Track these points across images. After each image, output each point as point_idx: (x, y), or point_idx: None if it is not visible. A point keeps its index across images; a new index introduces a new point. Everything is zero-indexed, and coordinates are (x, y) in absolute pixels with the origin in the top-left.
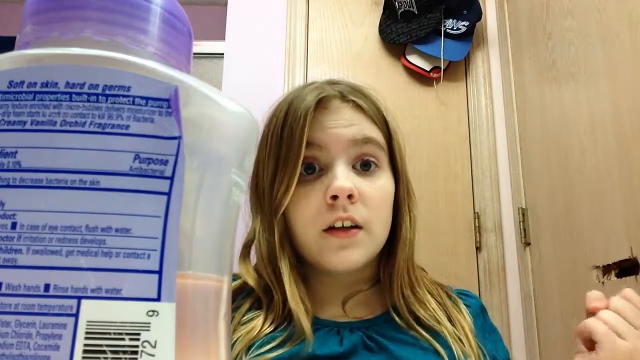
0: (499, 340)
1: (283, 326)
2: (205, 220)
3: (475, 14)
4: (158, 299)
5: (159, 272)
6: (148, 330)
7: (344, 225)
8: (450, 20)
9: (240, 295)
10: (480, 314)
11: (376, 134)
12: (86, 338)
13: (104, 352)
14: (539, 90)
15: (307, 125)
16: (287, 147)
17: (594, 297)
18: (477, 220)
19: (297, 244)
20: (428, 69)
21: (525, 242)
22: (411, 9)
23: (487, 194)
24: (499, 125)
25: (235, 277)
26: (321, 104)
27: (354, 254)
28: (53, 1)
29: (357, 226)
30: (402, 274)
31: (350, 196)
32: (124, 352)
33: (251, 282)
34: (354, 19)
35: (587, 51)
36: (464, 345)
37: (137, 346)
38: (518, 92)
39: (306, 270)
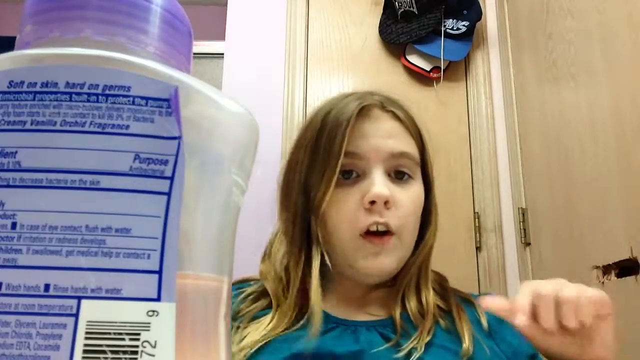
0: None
1: (296, 324)
2: (205, 220)
3: (475, 14)
4: (158, 299)
5: (159, 272)
6: (148, 330)
7: (379, 230)
8: (450, 20)
9: (255, 296)
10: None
11: (412, 148)
12: (86, 338)
13: (104, 352)
14: (539, 90)
15: (349, 129)
16: (327, 150)
17: None
18: (477, 220)
19: (331, 245)
20: (428, 69)
21: (525, 242)
22: (411, 8)
23: (487, 194)
24: (499, 125)
25: (245, 282)
26: (362, 112)
27: (387, 261)
28: (53, 1)
29: (389, 232)
30: (412, 274)
31: (386, 202)
32: (124, 352)
33: (270, 282)
34: (354, 19)
35: (587, 51)
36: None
37: (137, 346)
38: (518, 92)
39: (327, 270)
